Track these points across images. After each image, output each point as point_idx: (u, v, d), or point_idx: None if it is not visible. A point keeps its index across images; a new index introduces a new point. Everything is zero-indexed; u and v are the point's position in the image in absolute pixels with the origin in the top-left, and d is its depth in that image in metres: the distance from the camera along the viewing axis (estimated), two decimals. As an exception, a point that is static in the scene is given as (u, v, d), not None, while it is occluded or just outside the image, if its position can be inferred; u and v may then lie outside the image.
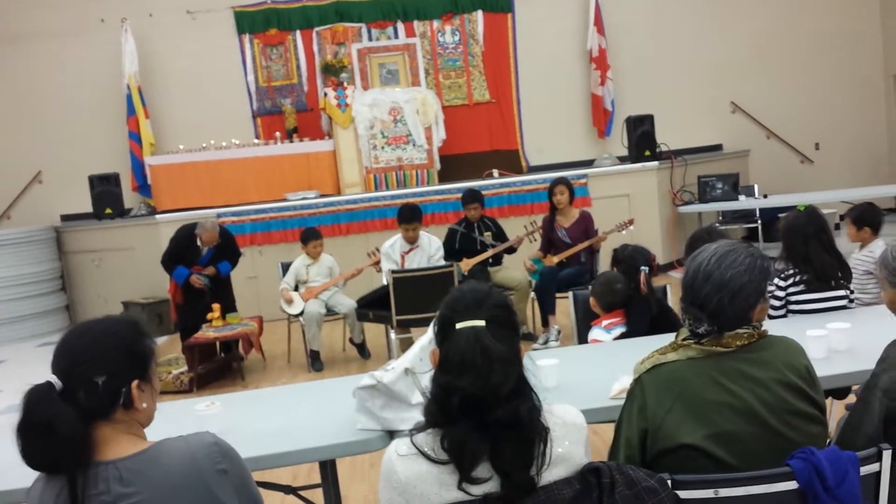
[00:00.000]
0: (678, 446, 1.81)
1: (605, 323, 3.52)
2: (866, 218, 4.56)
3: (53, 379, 1.53)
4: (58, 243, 9.37)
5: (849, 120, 10.93)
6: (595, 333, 3.53)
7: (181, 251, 6.61)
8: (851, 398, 3.26)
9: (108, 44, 9.87)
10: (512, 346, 1.65)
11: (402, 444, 1.64)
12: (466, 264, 6.46)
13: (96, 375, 1.55)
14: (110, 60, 9.89)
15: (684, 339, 1.92)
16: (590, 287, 3.78)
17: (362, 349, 6.60)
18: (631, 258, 3.70)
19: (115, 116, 9.93)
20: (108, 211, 9.15)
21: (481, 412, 1.57)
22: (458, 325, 1.64)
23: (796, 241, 3.48)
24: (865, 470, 1.79)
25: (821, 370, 2.53)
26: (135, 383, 1.60)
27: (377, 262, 6.49)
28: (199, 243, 6.57)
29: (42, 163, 10.17)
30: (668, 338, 2.05)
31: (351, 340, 6.66)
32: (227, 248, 6.75)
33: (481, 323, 1.64)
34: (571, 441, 1.65)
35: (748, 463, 1.79)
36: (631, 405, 1.92)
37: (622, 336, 3.46)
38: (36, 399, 1.51)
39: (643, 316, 3.47)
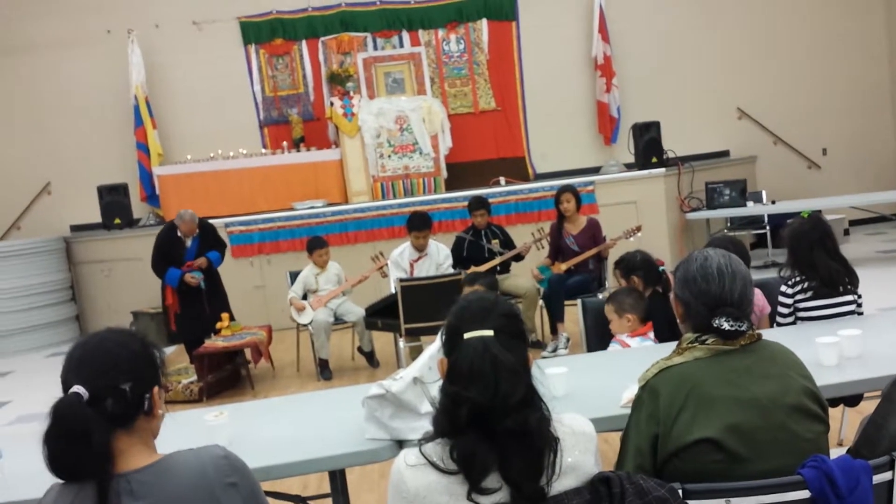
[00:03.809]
0: (692, 442, 1.81)
1: (650, 335, 3.46)
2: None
3: (79, 389, 1.53)
4: (67, 253, 9.40)
5: (856, 125, 10.90)
6: (633, 342, 3.46)
7: (167, 250, 6.71)
8: (863, 406, 3.25)
9: (115, 55, 9.93)
10: (520, 355, 1.65)
11: (411, 454, 1.63)
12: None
13: (123, 382, 1.56)
14: (117, 71, 9.95)
15: (689, 343, 1.94)
16: (612, 304, 3.59)
17: (371, 358, 6.60)
18: (647, 262, 3.71)
19: (122, 127, 9.98)
20: (117, 221, 9.19)
21: (490, 422, 1.56)
22: (466, 335, 1.63)
23: (801, 248, 3.46)
24: (878, 478, 1.78)
25: (832, 377, 2.53)
26: (156, 389, 1.63)
27: (382, 267, 6.50)
28: (179, 235, 6.68)
29: (51, 174, 10.23)
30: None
31: (360, 349, 6.66)
32: (211, 238, 6.87)
33: (489, 332, 1.63)
34: (581, 451, 1.64)
35: (758, 456, 1.80)
36: (639, 413, 1.92)
37: None
38: (67, 409, 1.50)
39: (669, 314, 3.44)
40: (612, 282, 5.41)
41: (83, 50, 10.06)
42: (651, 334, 3.47)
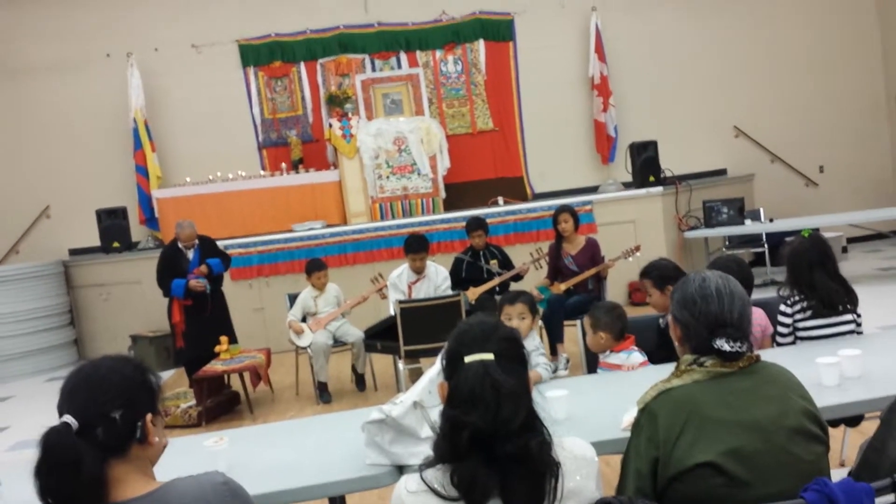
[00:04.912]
0: (693, 466, 1.80)
1: (634, 348, 3.46)
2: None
3: (68, 418, 1.53)
4: (66, 277, 9.39)
5: (852, 143, 10.94)
6: (635, 358, 3.43)
7: (171, 265, 6.74)
8: (865, 426, 3.23)
9: (114, 78, 9.99)
10: (521, 379, 1.65)
11: (412, 481, 1.63)
12: (473, 293, 6.45)
13: (113, 410, 1.56)
14: (116, 95, 10.00)
15: (688, 365, 1.93)
16: (590, 318, 3.55)
17: (361, 381, 6.55)
18: (678, 270, 3.70)
19: (121, 150, 10.02)
20: (116, 245, 9.19)
21: (491, 447, 1.56)
22: (467, 359, 1.63)
23: (801, 268, 3.45)
24: (881, 501, 1.77)
25: (833, 398, 2.52)
26: (149, 416, 1.62)
27: (382, 288, 6.48)
28: (180, 246, 6.73)
29: (50, 197, 10.25)
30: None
31: (353, 368, 6.61)
32: (211, 249, 6.90)
33: (490, 356, 1.63)
34: (582, 475, 1.64)
35: (760, 479, 1.79)
36: (638, 436, 1.90)
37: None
38: (56, 440, 1.50)
39: None
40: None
41: (82, 73, 10.12)
42: (635, 347, 3.46)
